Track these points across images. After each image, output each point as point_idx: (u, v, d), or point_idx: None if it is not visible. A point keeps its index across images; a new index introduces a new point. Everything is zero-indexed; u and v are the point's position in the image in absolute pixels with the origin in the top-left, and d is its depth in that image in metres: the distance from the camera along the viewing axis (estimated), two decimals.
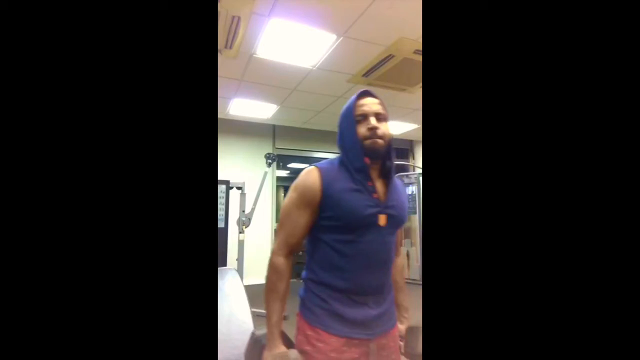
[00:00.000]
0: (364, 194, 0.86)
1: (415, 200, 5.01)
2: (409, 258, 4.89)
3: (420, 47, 2.68)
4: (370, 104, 0.90)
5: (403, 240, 5.02)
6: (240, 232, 3.40)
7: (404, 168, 5.70)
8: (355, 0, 2.11)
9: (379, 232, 0.86)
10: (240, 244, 3.36)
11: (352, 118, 0.89)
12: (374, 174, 0.90)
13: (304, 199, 0.87)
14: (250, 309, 1.62)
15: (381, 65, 2.99)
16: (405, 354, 0.93)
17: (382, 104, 0.91)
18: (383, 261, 0.88)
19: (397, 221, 0.90)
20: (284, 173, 5.17)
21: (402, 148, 5.92)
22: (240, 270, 3.19)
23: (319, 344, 0.83)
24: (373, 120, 0.87)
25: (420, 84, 3.44)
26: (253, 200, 3.46)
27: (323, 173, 0.87)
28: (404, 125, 4.90)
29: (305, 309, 0.88)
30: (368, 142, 0.87)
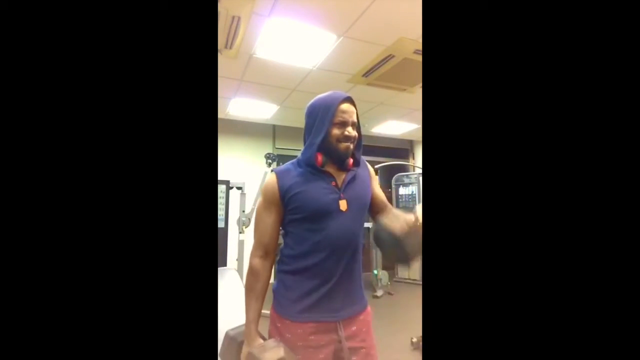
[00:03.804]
0: (322, 183, 0.95)
1: (415, 200, 5.01)
2: None
3: (420, 47, 2.67)
4: (350, 113, 0.97)
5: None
6: (240, 232, 3.40)
7: (404, 168, 5.69)
8: (355, 0, 2.11)
9: (342, 218, 0.93)
10: (240, 244, 3.36)
11: (329, 120, 0.95)
12: (333, 167, 0.98)
13: (266, 199, 0.97)
14: None
15: (381, 65, 2.99)
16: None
17: (357, 112, 0.99)
18: (348, 246, 0.94)
19: (359, 205, 0.98)
20: None
21: (402, 148, 5.91)
22: (240, 270, 3.18)
23: (287, 335, 0.91)
24: (350, 130, 0.96)
25: (420, 84, 3.44)
26: (253, 200, 3.45)
27: (278, 174, 0.97)
28: (404, 125, 4.89)
29: (276, 302, 0.97)
30: (343, 145, 0.95)
